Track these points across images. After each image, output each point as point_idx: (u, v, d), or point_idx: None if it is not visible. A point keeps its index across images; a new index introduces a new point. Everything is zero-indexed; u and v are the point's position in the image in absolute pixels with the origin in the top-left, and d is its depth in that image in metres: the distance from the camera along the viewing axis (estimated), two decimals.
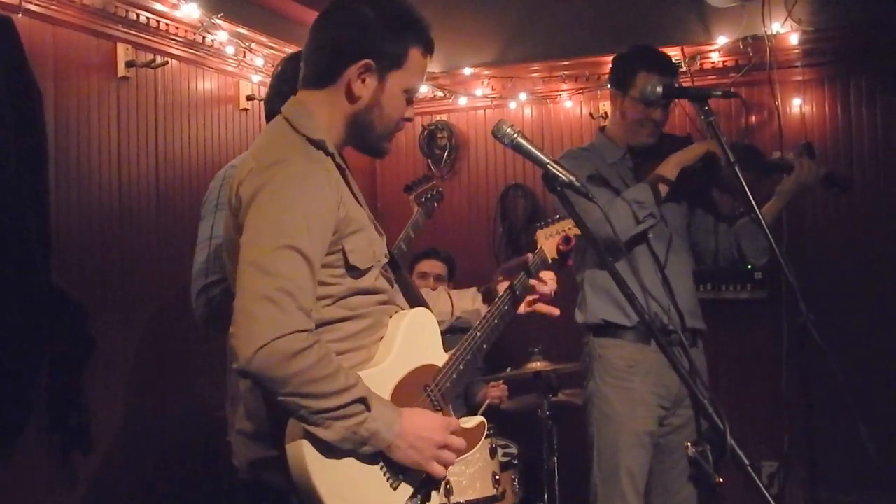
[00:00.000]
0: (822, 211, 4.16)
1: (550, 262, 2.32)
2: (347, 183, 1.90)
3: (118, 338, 3.45)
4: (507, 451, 3.65)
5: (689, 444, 1.71)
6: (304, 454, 1.70)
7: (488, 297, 2.32)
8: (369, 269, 1.89)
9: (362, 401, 1.72)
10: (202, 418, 3.51)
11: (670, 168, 2.96)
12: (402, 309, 2.02)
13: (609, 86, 3.19)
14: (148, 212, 3.64)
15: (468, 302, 2.32)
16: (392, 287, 2.01)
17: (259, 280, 1.67)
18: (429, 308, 2.08)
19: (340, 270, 1.83)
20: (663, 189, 2.95)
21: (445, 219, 4.73)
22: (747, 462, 1.64)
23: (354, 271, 1.85)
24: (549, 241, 2.34)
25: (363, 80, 1.86)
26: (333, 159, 1.87)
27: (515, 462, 3.64)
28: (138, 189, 3.59)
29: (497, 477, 3.39)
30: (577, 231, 2.33)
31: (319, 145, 1.85)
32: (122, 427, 3.45)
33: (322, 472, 1.71)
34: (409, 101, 1.95)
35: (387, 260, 2.00)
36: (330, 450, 1.72)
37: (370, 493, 1.79)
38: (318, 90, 1.90)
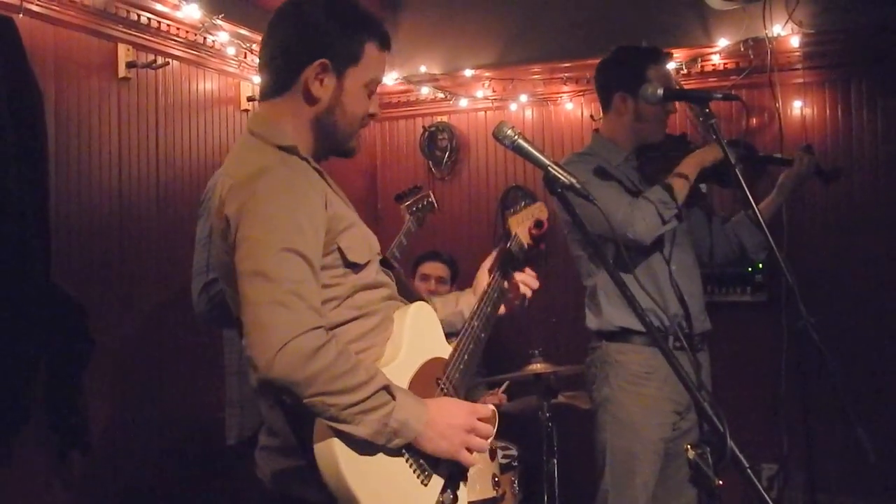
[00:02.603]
0: (822, 214, 4.16)
1: (526, 247, 2.30)
2: (328, 184, 1.87)
3: (117, 338, 3.44)
4: (507, 452, 3.64)
5: (688, 446, 1.70)
6: (337, 455, 1.67)
7: (476, 291, 2.28)
8: (368, 262, 1.87)
9: (386, 389, 1.70)
10: (201, 419, 3.52)
11: (691, 168, 2.93)
12: (404, 303, 2.00)
13: (615, 91, 3.07)
14: (148, 213, 3.64)
15: (451, 305, 2.28)
16: (392, 282, 2.00)
17: (263, 287, 1.64)
18: (425, 300, 2.07)
19: (340, 269, 1.82)
20: (685, 189, 2.91)
21: (445, 220, 4.72)
22: (747, 464, 1.63)
23: (354, 267, 1.83)
24: (521, 226, 2.32)
25: (321, 81, 1.84)
26: (308, 163, 1.85)
27: (515, 464, 3.64)
28: (139, 190, 3.59)
29: (497, 479, 3.38)
30: (545, 214, 2.34)
31: (292, 151, 1.83)
32: (121, 427, 3.45)
33: (355, 471, 1.68)
34: (371, 95, 1.92)
35: (380, 257, 1.98)
36: (361, 448, 1.69)
37: (403, 490, 1.77)
38: (277, 98, 1.88)
